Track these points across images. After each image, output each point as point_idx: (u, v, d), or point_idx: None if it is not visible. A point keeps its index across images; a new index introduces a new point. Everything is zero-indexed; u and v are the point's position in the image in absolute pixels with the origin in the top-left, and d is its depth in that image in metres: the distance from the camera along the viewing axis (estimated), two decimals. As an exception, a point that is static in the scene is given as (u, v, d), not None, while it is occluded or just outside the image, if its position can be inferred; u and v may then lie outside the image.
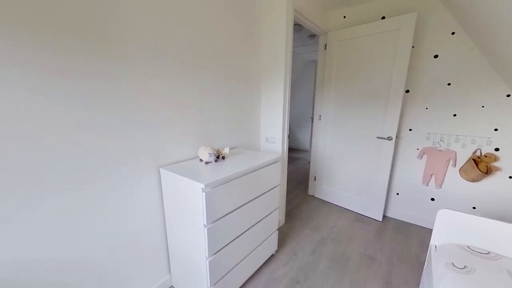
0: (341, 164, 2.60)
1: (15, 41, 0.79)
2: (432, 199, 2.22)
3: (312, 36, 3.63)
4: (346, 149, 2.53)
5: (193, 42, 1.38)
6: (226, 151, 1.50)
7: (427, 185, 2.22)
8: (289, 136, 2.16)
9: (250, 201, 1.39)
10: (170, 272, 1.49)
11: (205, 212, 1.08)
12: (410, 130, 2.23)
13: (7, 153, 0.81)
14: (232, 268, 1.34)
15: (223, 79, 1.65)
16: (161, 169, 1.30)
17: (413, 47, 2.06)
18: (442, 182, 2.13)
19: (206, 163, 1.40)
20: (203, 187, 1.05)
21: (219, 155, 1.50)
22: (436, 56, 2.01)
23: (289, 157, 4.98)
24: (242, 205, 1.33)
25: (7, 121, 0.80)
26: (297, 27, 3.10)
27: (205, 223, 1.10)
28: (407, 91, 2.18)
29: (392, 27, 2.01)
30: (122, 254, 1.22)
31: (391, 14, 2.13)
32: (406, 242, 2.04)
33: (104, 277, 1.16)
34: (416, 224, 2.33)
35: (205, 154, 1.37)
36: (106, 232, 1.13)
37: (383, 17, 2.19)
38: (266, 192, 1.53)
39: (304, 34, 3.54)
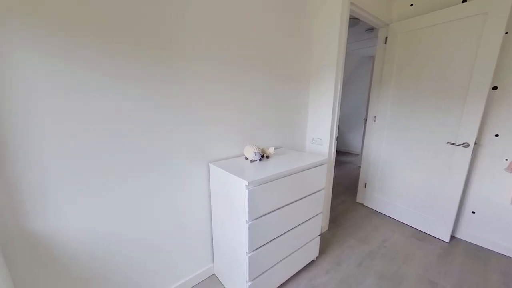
0: (399, 172, 2.31)
1: (101, 52, 0.96)
2: (526, 225, 1.76)
3: (370, 29, 3.31)
4: (406, 155, 2.22)
5: (242, 44, 1.43)
6: (270, 150, 1.51)
7: (519, 206, 1.77)
8: (337, 138, 2.03)
9: (292, 202, 1.36)
10: (213, 261, 1.60)
11: (247, 209, 1.11)
12: (497, 136, 1.81)
13: (101, 143, 1.01)
14: (271, 267, 1.35)
15: (270, 79, 1.66)
16: (210, 164, 1.39)
17: (506, 33, 1.66)
18: (543, 204, 1.67)
19: (251, 161, 1.43)
20: (247, 184, 1.08)
21: (263, 154, 1.52)
22: (541, 43, 1.57)
23: (337, 161, 4.69)
24: (284, 206, 1.31)
25: (96, 121, 0.99)
26: (353, 21, 2.88)
27: (247, 219, 1.13)
28: (495, 88, 1.77)
29: (476, 11, 1.66)
30: (173, 239, 1.36)
31: (476, -4, 1.76)
32: (483, 272, 1.68)
33: (159, 258, 1.32)
34: (498, 252, 1.89)
35: (250, 152, 1.42)
36: (162, 216, 1.29)
37: (464, 0, 1.83)
38: (310, 195, 1.48)
39: (360, 28, 3.27)
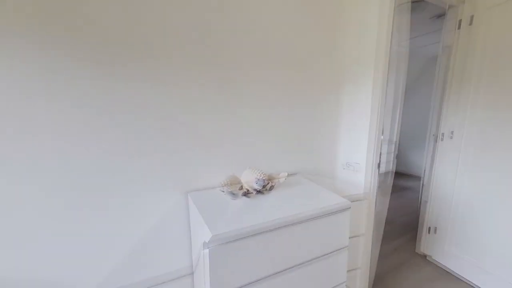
0: (493, 219, 1.49)
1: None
2: None
3: (440, 16, 2.52)
4: (508, 193, 1.41)
5: (237, 32, 1.08)
6: (281, 177, 1.09)
7: None
8: (397, 156, 1.45)
9: (297, 265, 0.87)
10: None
11: (208, 279, 0.70)
12: None
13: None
14: None
15: (284, 81, 1.24)
16: (189, 195, 1.05)
17: None
18: None
19: (244, 194, 1.02)
20: (207, 240, 0.67)
21: (268, 183, 1.09)
22: None
23: (393, 186, 3.74)
24: (282, 271, 0.84)
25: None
26: (415, 5, 2.20)
27: (209, 296, 0.72)
28: None
29: None
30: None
31: None
32: None
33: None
34: None
35: (251, 179, 1.02)
36: (126, 265, 0.99)
37: None
38: (332, 252, 0.96)
39: (425, 15, 2.53)
